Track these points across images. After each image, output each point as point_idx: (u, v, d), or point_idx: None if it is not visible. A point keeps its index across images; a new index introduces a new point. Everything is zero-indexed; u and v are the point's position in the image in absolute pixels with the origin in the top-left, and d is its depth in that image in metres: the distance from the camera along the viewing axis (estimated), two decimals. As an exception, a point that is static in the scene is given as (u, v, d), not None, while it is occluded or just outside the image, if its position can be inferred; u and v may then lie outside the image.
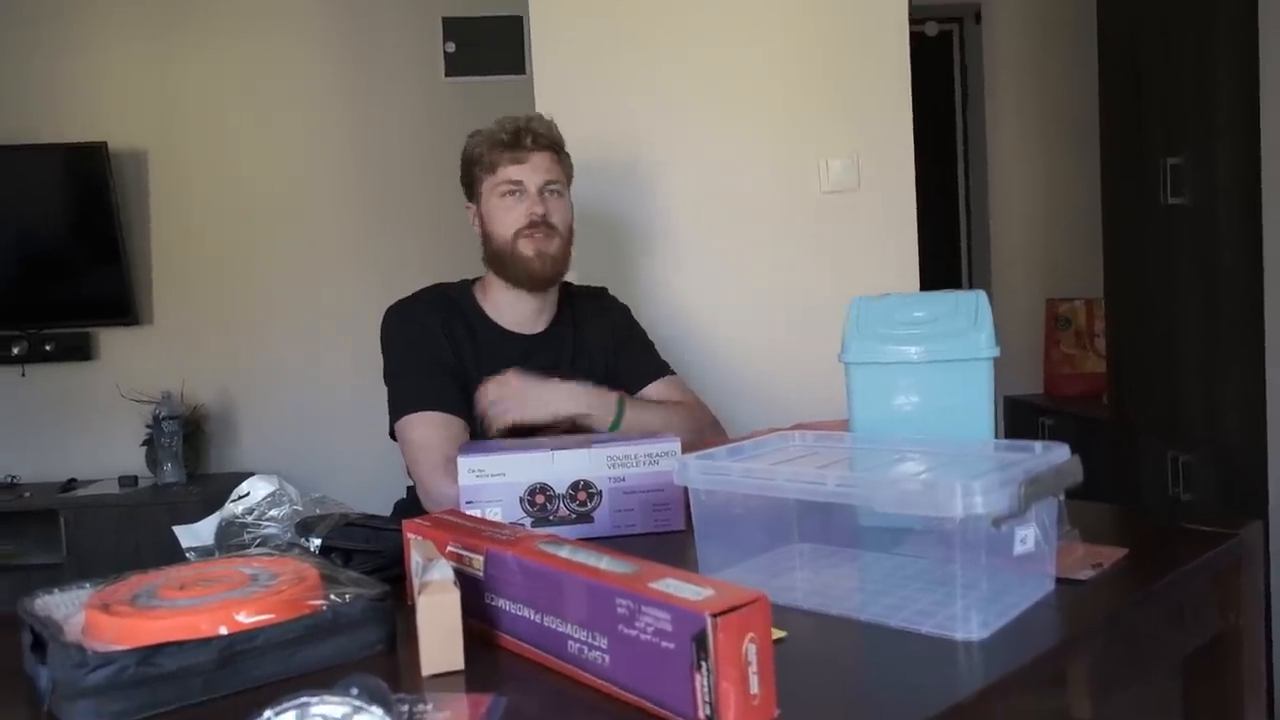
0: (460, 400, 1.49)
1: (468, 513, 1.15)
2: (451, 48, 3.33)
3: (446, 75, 3.34)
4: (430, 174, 3.30)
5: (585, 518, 1.20)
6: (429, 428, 1.46)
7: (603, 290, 1.78)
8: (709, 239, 2.20)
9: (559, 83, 2.15)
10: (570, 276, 1.68)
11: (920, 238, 2.22)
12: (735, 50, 2.18)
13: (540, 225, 1.55)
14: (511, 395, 1.45)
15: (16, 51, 3.21)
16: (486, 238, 1.60)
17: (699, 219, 2.19)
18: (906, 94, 2.19)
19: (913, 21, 2.21)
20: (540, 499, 1.19)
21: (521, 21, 3.20)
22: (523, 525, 1.18)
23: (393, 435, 1.53)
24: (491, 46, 3.32)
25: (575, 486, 1.20)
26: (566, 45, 2.16)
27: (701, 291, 2.20)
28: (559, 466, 1.19)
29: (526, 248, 1.55)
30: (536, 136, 1.56)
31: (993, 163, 3.60)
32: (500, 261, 1.58)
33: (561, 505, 1.19)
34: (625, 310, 1.77)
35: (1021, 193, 3.60)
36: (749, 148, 2.19)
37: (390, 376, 1.55)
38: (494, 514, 1.17)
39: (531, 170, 1.56)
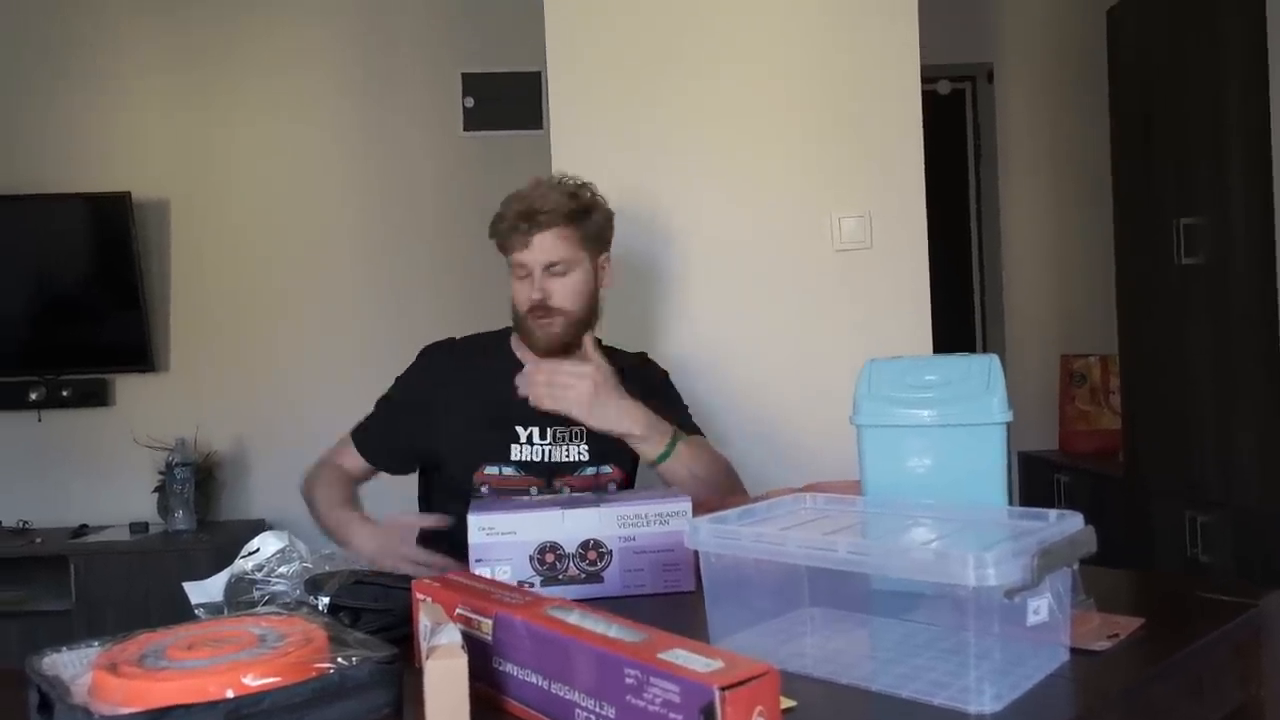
0: (381, 453, 1.72)
1: (476, 570, 1.15)
2: (470, 103, 3.39)
3: (465, 130, 3.39)
4: (449, 226, 3.35)
5: (595, 577, 1.19)
6: (341, 448, 1.75)
7: (643, 354, 1.83)
8: (721, 296, 2.21)
9: (576, 138, 2.18)
10: None
11: (933, 294, 2.23)
12: (749, 108, 2.21)
13: (539, 308, 1.60)
14: (538, 385, 1.48)
15: (45, 103, 3.29)
16: (512, 305, 1.68)
17: (711, 276, 2.21)
18: (919, 152, 2.21)
19: (925, 80, 2.24)
20: (550, 558, 1.18)
21: (540, 77, 3.26)
22: (532, 584, 1.18)
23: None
24: (510, 102, 3.38)
25: (585, 546, 1.19)
26: (584, 101, 2.20)
27: (714, 348, 2.20)
28: (569, 525, 1.19)
29: (533, 326, 1.63)
30: (539, 217, 1.58)
31: (1005, 220, 3.62)
32: (519, 330, 1.67)
33: (571, 564, 1.19)
34: (665, 374, 1.81)
35: (1034, 249, 3.61)
36: (762, 205, 2.21)
37: None
38: (503, 573, 1.17)
39: (536, 252, 1.59)
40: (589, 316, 1.67)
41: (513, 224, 1.60)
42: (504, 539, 1.18)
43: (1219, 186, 2.40)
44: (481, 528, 1.18)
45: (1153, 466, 2.71)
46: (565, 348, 1.63)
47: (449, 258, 3.33)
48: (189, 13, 3.32)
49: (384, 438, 1.71)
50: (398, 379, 1.73)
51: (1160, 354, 2.66)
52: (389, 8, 3.37)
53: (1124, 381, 2.87)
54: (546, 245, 1.59)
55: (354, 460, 1.73)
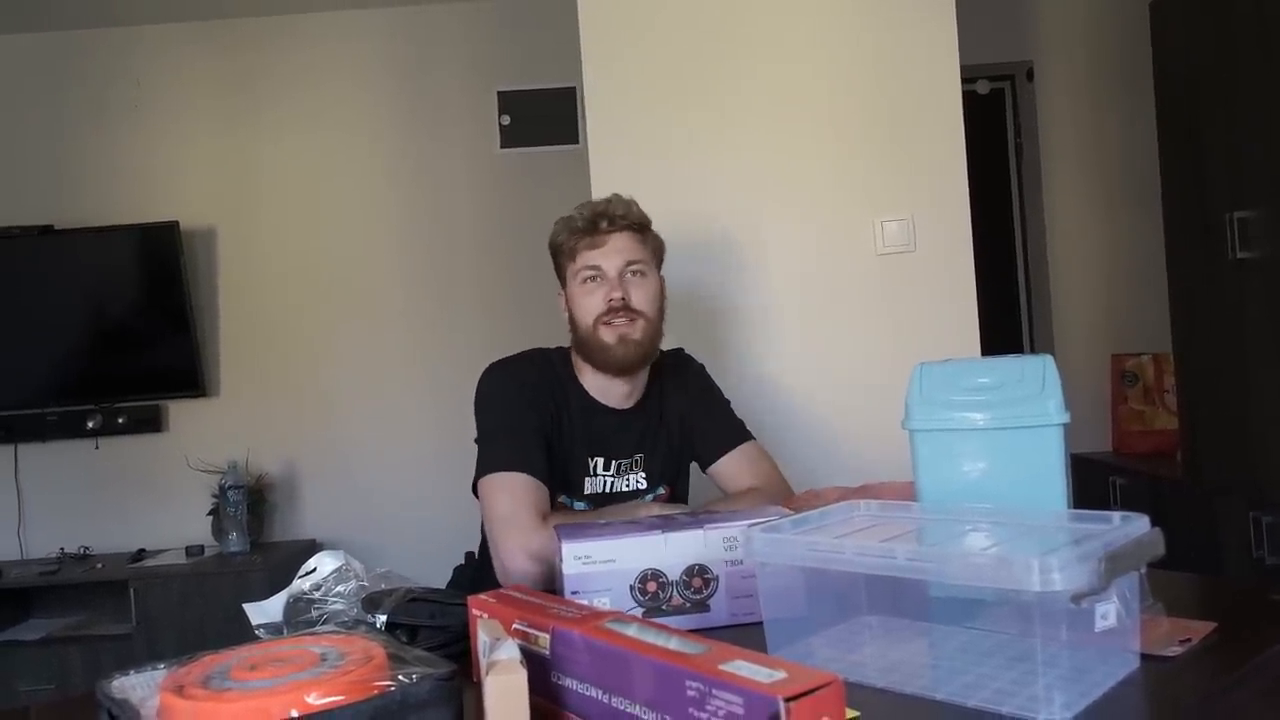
0: (547, 464, 1.46)
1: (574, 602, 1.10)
2: (507, 120, 3.42)
3: (502, 147, 3.42)
4: (488, 244, 3.38)
5: (701, 606, 1.10)
6: (510, 490, 1.41)
7: (679, 350, 1.75)
8: (764, 302, 2.20)
9: (614, 151, 2.19)
10: None
11: (979, 296, 2.20)
12: (787, 116, 2.20)
13: (621, 310, 1.51)
14: None
15: (92, 138, 3.38)
16: (572, 325, 1.57)
17: (754, 282, 2.20)
18: (961, 154, 2.19)
19: (963, 80, 2.21)
20: (652, 587, 1.09)
21: (575, 93, 3.28)
22: (635, 616, 1.12)
23: (475, 491, 1.49)
24: (546, 118, 3.40)
25: (690, 572, 1.10)
26: (621, 115, 2.20)
27: (757, 355, 2.19)
28: (672, 550, 1.10)
29: (608, 335, 1.51)
30: (614, 219, 1.53)
31: (1050, 219, 3.56)
32: (586, 348, 1.55)
33: (675, 593, 1.09)
34: (701, 369, 1.73)
35: (1080, 247, 3.55)
36: (803, 212, 2.20)
37: (482, 433, 1.51)
38: (602, 604, 1.07)
39: (611, 253, 1.53)
40: (660, 335, 1.58)
41: (589, 223, 1.52)
42: (602, 568, 1.08)
43: (1273, 177, 2.34)
44: (577, 556, 1.08)
45: (1214, 467, 2.64)
46: (643, 359, 1.55)
47: (489, 274, 3.36)
48: (228, 43, 3.40)
49: (542, 451, 1.47)
50: (500, 397, 1.52)
51: (1218, 351, 2.59)
52: (425, 28, 3.42)
53: (1180, 380, 2.80)
54: (624, 245, 1.53)
55: (540, 493, 1.43)
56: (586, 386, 1.58)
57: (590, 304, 1.53)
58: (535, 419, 1.50)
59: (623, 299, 1.51)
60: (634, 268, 1.54)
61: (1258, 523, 2.41)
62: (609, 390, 1.58)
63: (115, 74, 3.39)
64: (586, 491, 1.56)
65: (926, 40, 2.18)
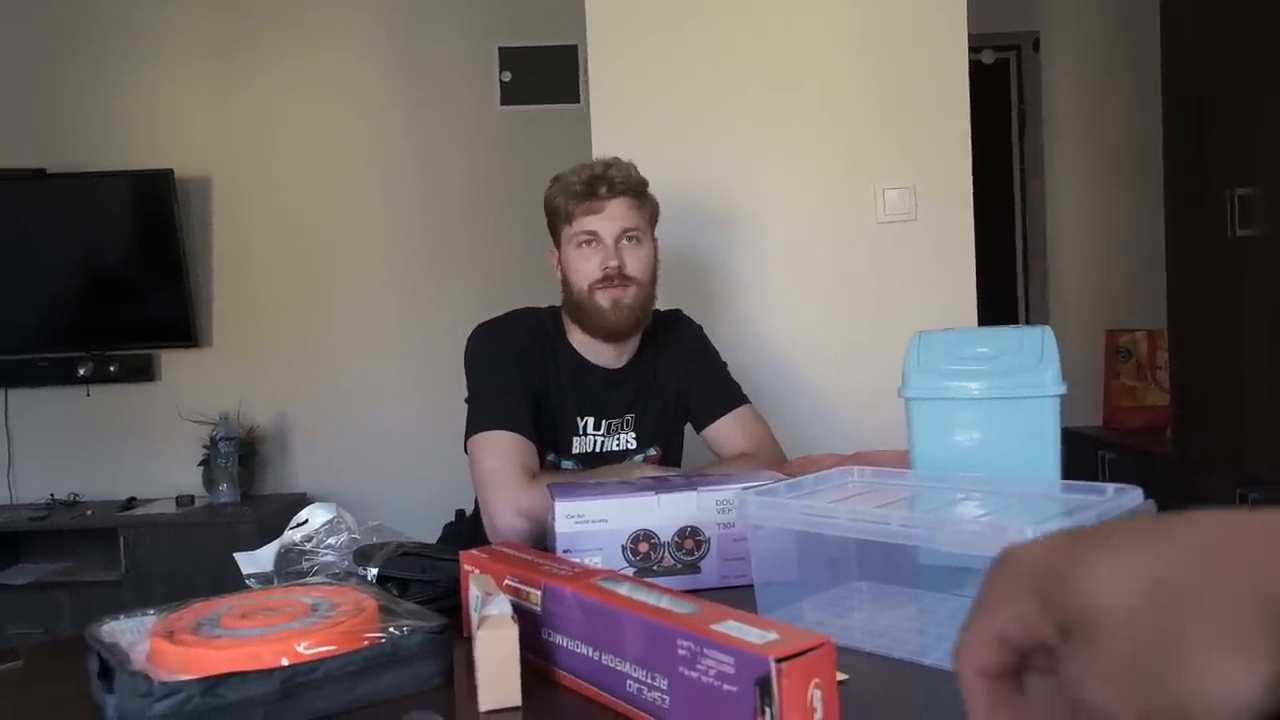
0: (535, 423, 1.48)
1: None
2: (507, 77, 3.38)
3: (502, 104, 3.38)
4: (486, 201, 3.35)
5: (692, 568, 1.10)
6: (499, 449, 1.43)
7: (677, 311, 1.75)
8: (763, 267, 2.19)
9: (614, 110, 2.16)
10: None
11: (977, 267, 2.19)
12: (792, 80, 2.18)
13: (616, 277, 1.52)
14: None
15: (88, 83, 3.33)
16: (565, 286, 1.58)
17: (754, 247, 2.19)
18: (965, 123, 2.17)
19: (969, 49, 2.19)
20: (644, 547, 1.10)
21: (576, 51, 3.24)
22: (627, 575, 1.13)
23: (466, 450, 1.51)
24: (547, 76, 3.36)
25: (682, 534, 1.10)
26: (622, 74, 2.18)
27: (756, 319, 2.19)
28: (665, 511, 1.10)
29: (603, 299, 1.53)
30: (613, 184, 1.53)
31: (1050, 192, 3.55)
32: (579, 311, 1.56)
33: (667, 554, 1.10)
34: (698, 330, 1.73)
35: (1080, 222, 3.54)
36: (805, 177, 2.18)
37: (472, 393, 1.53)
38: (594, 563, 1.07)
39: (608, 219, 1.53)
40: (653, 299, 1.60)
41: (587, 187, 1.52)
42: (594, 527, 1.08)
43: (1275, 156, 2.33)
44: (569, 515, 1.08)
45: (1203, 443, 2.66)
46: (635, 324, 1.56)
47: (487, 231, 3.34)
48: (228, -10, 3.34)
49: (530, 410, 1.49)
50: (487, 357, 1.53)
51: (1212, 328, 2.59)
52: (426, -18, 3.36)
53: (1173, 355, 2.81)
54: (621, 211, 1.53)
55: (528, 452, 1.45)
56: (576, 346, 1.59)
57: (586, 269, 1.54)
58: (523, 378, 1.51)
59: (618, 266, 1.53)
60: (630, 234, 1.55)
61: (1244, 500, 2.42)
62: (600, 350, 1.59)
63: (111, 17, 3.32)
64: (575, 451, 1.56)
65: (935, 7, 2.16)
